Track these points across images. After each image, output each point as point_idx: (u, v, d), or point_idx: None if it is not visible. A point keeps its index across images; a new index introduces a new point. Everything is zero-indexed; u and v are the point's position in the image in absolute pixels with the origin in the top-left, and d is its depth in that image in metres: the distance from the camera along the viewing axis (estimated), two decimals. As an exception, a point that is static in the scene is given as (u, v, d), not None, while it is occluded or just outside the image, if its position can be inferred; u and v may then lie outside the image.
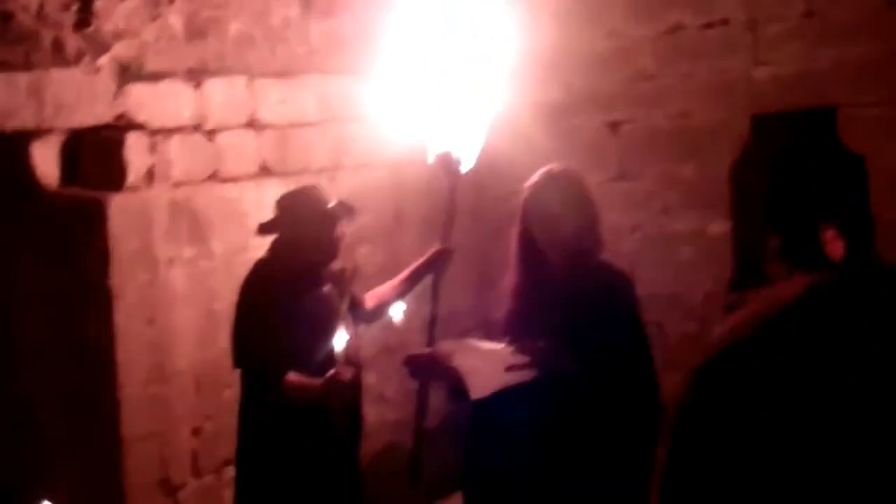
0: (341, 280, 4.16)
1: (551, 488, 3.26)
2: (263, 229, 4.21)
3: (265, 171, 5.34)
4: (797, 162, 6.32)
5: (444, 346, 3.46)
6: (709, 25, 6.25)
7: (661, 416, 3.28)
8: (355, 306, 4.25)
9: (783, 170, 6.24)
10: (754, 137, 6.24)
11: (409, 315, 4.35)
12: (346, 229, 4.17)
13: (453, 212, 4.08)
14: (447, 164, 4.02)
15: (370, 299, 4.34)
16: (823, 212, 6.38)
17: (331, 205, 4.11)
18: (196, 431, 4.92)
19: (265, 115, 5.35)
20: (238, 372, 4.19)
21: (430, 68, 4.07)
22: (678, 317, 6.10)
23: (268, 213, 5.27)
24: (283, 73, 5.48)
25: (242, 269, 5.13)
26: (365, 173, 5.80)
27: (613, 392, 3.20)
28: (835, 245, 6.30)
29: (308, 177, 5.51)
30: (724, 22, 6.22)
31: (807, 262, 6.31)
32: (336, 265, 4.18)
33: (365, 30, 5.90)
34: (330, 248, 4.10)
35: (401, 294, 4.32)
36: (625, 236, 6.21)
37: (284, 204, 4.19)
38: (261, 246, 5.23)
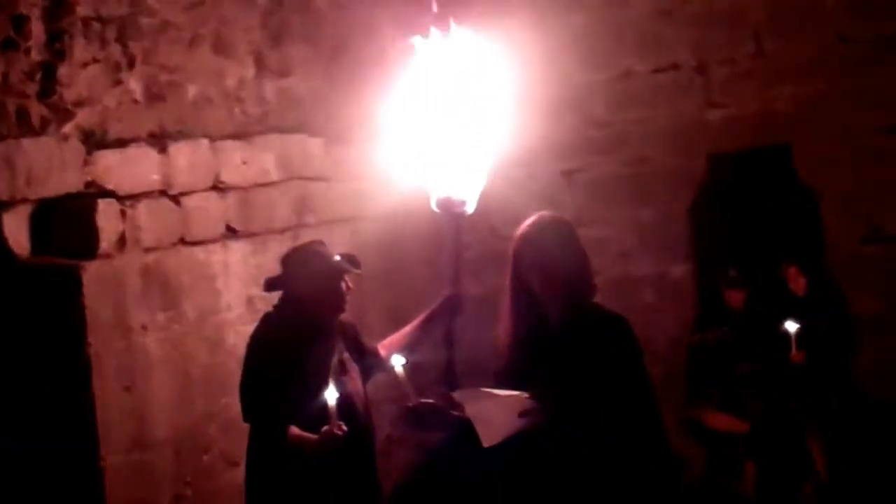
0: (339, 332, 4.16)
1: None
2: (270, 285, 4.23)
3: (231, 232, 5.31)
4: (753, 199, 6.46)
5: (459, 395, 3.42)
6: (659, 70, 6.40)
7: (669, 466, 3.31)
8: (368, 356, 4.26)
9: (740, 207, 6.36)
10: (710, 178, 6.38)
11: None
12: (350, 283, 4.16)
13: (460, 255, 4.10)
14: (450, 207, 4.03)
15: (384, 348, 4.33)
16: (782, 246, 6.50)
17: (335, 259, 4.13)
18: (177, 499, 4.83)
19: (228, 176, 5.34)
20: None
21: (425, 115, 4.08)
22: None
23: (235, 275, 5.32)
24: (240, 134, 5.47)
25: (214, 332, 5.15)
26: (326, 231, 5.79)
27: (620, 440, 3.21)
28: (798, 282, 6.46)
29: (272, 237, 5.53)
30: (675, 66, 6.38)
31: (764, 291, 6.39)
32: (343, 318, 4.17)
33: (319, 87, 5.96)
34: (336, 301, 4.13)
35: (415, 341, 4.32)
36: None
37: (290, 259, 4.23)
38: (229, 309, 5.27)
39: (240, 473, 5.10)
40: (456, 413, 3.38)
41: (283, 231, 5.56)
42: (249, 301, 5.33)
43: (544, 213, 3.61)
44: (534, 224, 3.54)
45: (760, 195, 6.32)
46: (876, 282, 6.12)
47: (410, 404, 3.51)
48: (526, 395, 3.29)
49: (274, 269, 5.38)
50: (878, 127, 6.07)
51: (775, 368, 5.90)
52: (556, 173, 6.55)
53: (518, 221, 6.72)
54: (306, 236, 5.60)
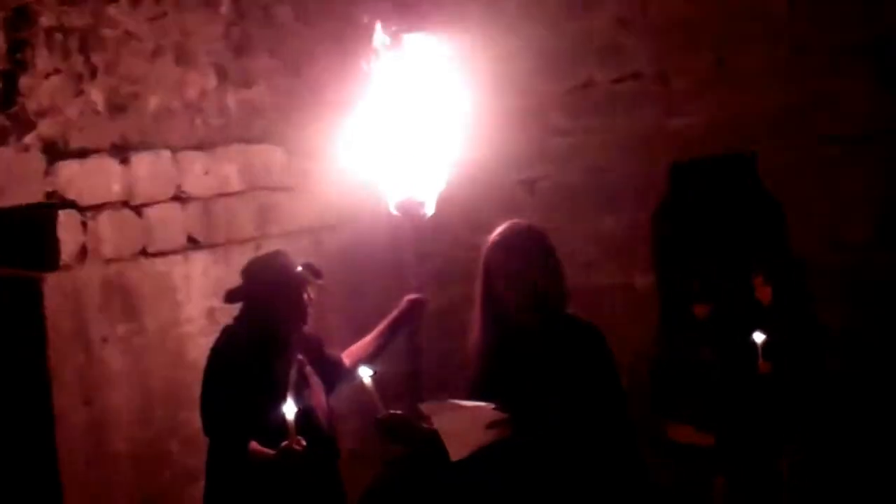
0: (309, 345, 4.12)
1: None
2: (231, 297, 4.14)
3: (192, 243, 5.27)
4: (717, 208, 6.47)
5: (426, 407, 3.38)
6: (620, 80, 6.43)
7: (641, 470, 3.30)
8: (332, 367, 4.20)
9: (703, 216, 6.37)
10: (672, 187, 6.41)
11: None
12: (312, 294, 4.11)
13: (420, 259, 4.09)
14: (409, 211, 4.03)
15: (348, 357, 4.29)
16: (747, 256, 6.51)
17: (297, 269, 4.08)
18: (138, 515, 4.77)
19: (190, 187, 5.29)
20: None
21: (384, 122, 4.09)
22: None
23: (196, 287, 5.27)
24: (202, 145, 5.44)
25: (175, 345, 5.10)
26: (289, 241, 5.76)
27: (592, 449, 3.20)
28: (763, 291, 6.48)
29: (234, 247, 5.49)
30: (635, 76, 6.41)
31: (730, 301, 6.41)
32: (306, 330, 4.13)
33: (282, 99, 5.94)
34: (298, 313, 4.08)
35: (379, 349, 4.30)
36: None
37: (251, 270, 4.16)
38: (190, 321, 5.22)
39: (200, 488, 5.09)
40: (424, 425, 3.37)
41: (245, 242, 5.52)
42: (210, 313, 5.28)
43: (515, 220, 3.58)
44: (505, 232, 3.53)
45: (723, 204, 6.37)
46: (839, 290, 6.16)
47: (379, 416, 3.49)
48: (493, 406, 3.26)
49: (236, 280, 5.38)
50: (834, 136, 6.12)
51: (742, 380, 5.92)
52: (518, 182, 6.57)
53: (480, 231, 6.69)
54: (269, 247, 5.55)
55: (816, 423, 5.94)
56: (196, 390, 5.10)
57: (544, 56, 6.43)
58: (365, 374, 3.73)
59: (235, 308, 5.04)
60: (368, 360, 4.31)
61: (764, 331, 5.75)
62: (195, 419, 5.08)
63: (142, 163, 5.04)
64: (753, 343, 5.78)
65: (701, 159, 6.35)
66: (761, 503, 5.87)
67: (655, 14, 6.37)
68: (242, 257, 5.46)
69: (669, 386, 5.95)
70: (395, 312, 4.31)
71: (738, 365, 5.97)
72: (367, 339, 4.37)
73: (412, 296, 4.26)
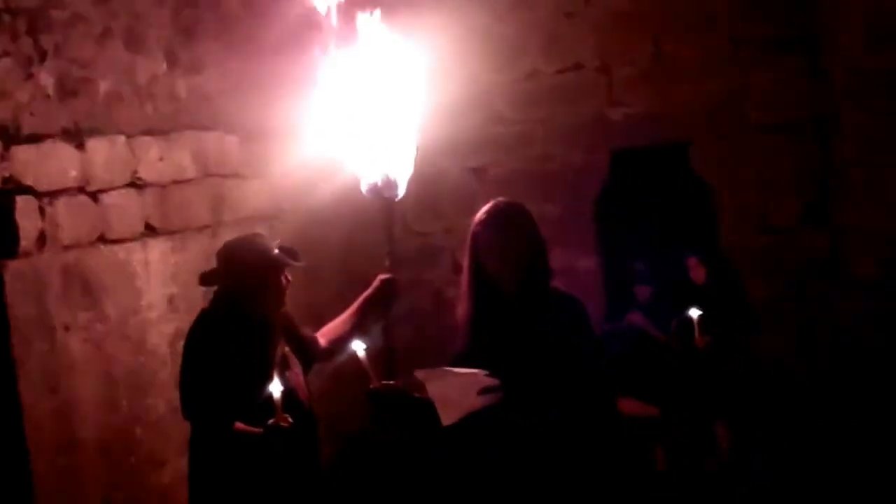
0: (280, 325, 4.12)
1: (507, 497, 3.33)
2: (206, 280, 4.12)
3: (150, 230, 5.23)
4: (655, 194, 6.69)
5: (420, 374, 3.46)
6: (563, 70, 6.58)
7: (622, 433, 3.42)
8: (308, 346, 4.22)
9: (643, 202, 6.57)
10: (613, 174, 6.60)
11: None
12: (290, 275, 4.12)
13: (392, 240, 4.13)
14: (380, 192, 4.06)
15: (323, 337, 4.31)
16: (682, 239, 6.74)
17: (274, 252, 4.07)
18: (106, 502, 4.72)
19: (146, 173, 5.25)
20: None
21: (352, 102, 4.11)
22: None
23: (155, 274, 5.24)
24: (154, 131, 5.40)
25: (136, 332, 5.07)
26: (244, 228, 5.75)
27: (581, 415, 3.31)
28: (698, 272, 6.71)
29: (191, 234, 5.47)
30: (578, 67, 6.57)
31: (669, 285, 6.62)
32: (283, 311, 4.13)
33: (232, 85, 5.92)
34: (276, 296, 4.06)
35: (354, 327, 4.31)
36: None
37: (226, 253, 4.10)
38: (150, 308, 5.19)
39: (167, 474, 5.09)
40: (417, 394, 3.45)
41: (201, 229, 5.50)
42: (170, 300, 5.27)
43: (500, 198, 3.69)
44: (490, 209, 3.64)
45: (661, 190, 6.57)
46: (765, 270, 6.44)
47: (373, 386, 3.54)
48: (485, 372, 3.35)
49: (194, 267, 5.36)
50: (766, 125, 6.37)
51: (681, 354, 6.15)
52: (466, 170, 6.69)
53: (430, 217, 6.87)
54: (224, 234, 5.56)
55: (746, 392, 6.23)
56: (158, 377, 5.14)
57: (492, 47, 6.55)
58: (358, 347, 3.77)
59: (195, 295, 5.06)
60: (343, 339, 4.34)
61: (700, 308, 6.00)
62: (159, 405, 5.11)
63: (97, 148, 4.97)
64: (690, 319, 6.01)
65: (640, 148, 6.55)
66: (697, 470, 6.13)
67: (597, 6, 6.56)
68: (199, 244, 5.50)
69: (614, 362, 6.13)
70: (367, 292, 4.33)
71: (677, 340, 6.22)
72: (341, 319, 4.39)
73: (384, 275, 4.30)
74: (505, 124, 6.67)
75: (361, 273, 6.40)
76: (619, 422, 3.51)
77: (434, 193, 6.22)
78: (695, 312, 6.03)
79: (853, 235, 6.25)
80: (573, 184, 6.57)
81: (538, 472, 3.33)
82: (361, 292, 4.35)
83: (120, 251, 5.04)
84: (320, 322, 4.48)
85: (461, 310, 3.62)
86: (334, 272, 6.34)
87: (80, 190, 4.89)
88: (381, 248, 4.10)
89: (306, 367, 4.25)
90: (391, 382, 3.56)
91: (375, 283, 4.30)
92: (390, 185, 4.12)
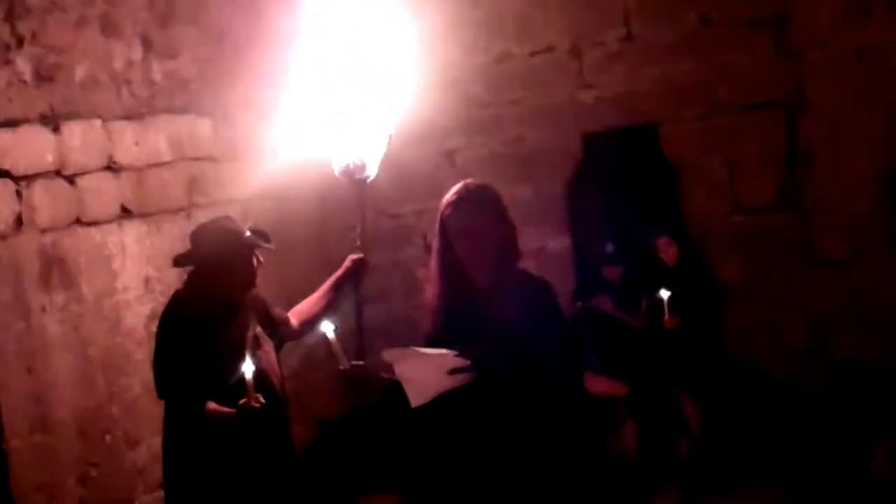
0: (252, 306, 4.19)
1: (491, 487, 3.38)
2: (179, 262, 4.16)
3: (125, 212, 5.30)
4: (626, 175, 6.75)
5: (388, 354, 3.49)
6: (535, 53, 6.65)
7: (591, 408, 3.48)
8: (280, 326, 4.29)
9: (614, 183, 6.63)
10: (585, 156, 6.67)
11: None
12: (261, 257, 4.18)
13: (364, 221, 4.19)
14: (352, 174, 4.12)
15: (295, 317, 4.38)
16: (653, 220, 6.81)
17: (246, 233, 4.13)
18: (82, 480, 4.81)
19: (122, 157, 5.32)
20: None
21: (327, 82, 4.16)
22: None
23: (131, 256, 5.31)
24: (130, 116, 5.46)
25: (112, 313, 5.15)
26: (218, 211, 5.82)
27: (550, 389, 3.36)
28: (668, 251, 6.80)
29: (166, 217, 5.54)
30: (549, 49, 6.64)
31: (639, 265, 6.71)
32: (252, 292, 4.20)
33: (206, 69, 5.98)
34: (247, 276, 4.11)
35: (325, 307, 4.36)
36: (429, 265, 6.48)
37: (199, 235, 4.15)
38: (126, 289, 5.27)
39: (142, 453, 5.18)
40: (386, 375, 3.49)
41: (176, 211, 5.58)
42: (146, 282, 5.35)
43: (469, 180, 3.70)
44: (460, 191, 3.62)
45: (631, 172, 6.66)
46: (740, 250, 6.51)
47: (342, 367, 3.59)
48: (454, 353, 3.35)
49: (169, 249, 5.44)
50: (739, 105, 6.44)
51: (651, 333, 6.26)
52: (439, 153, 6.76)
53: (403, 200, 6.93)
54: (199, 217, 5.62)
55: (715, 369, 6.34)
56: (134, 357, 5.22)
57: (464, 30, 6.60)
58: (328, 328, 3.80)
59: (171, 277, 5.13)
60: (314, 318, 4.40)
61: (669, 288, 6.12)
62: (134, 385, 5.20)
63: (74, 132, 5.06)
64: (660, 299, 6.12)
65: (612, 129, 6.62)
66: (668, 446, 6.24)
67: (569, -12, 6.61)
68: (174, 227, 5.57)
69: (584, 341, 6.22)
70: (338, 272, 4.39)
71: (646, 320, 6.33)
72: (313, 299, 4.44)
73: (355, 255, 4.36)
74: (477, 107, 6.73)
75: (334, 254, 6.52)
76: (587, 405, 3.56)
77: (406, 176, 6.28)
78: (665, 293, 6.15)
79: (822, 214, 6.33)
80: (545, 166, 6.64)
81: (523, 464, 3.35)
82: (332, 272, 4.41)
83: (96, 234, 5.13)
84: (292, 302, 4.53)
85: (430, 291, 3.63)
86: (307, 253, 6.41)
87: (57, 173, 4.97)
88: (351, 228, 4.17)
89: (278, 347, 4.30)
90: (360, 363, 3.60)
91: (346, 262, 4.37)
92: (362, 166, 4.18)
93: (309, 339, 4.32)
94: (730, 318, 6.53)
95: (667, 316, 6.12)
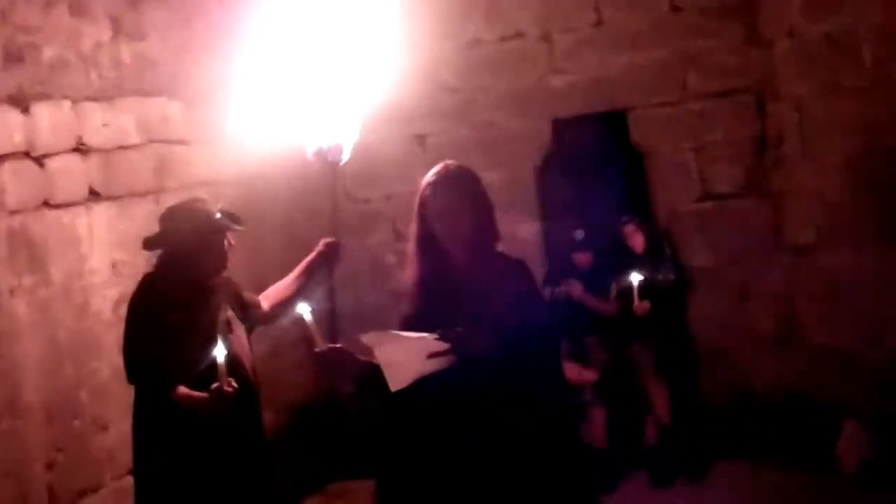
0: (224, 289, 4.15)
1: (468, 472, 3.38)
2: (149, 244, 4.12)
3: (94, 195, 5.24)
4: (595, 162, 6.75)
5: (367, 338, 3.46)
6: (505, 39, 6.65)
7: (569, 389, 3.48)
8: (251, 310, 4.26)
9: (581, 170, 6.63)
10: (555, 142, 6.68)
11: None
12: (232, 239, 4.15)
13: (336, 204, 4.16)
14: (326, 157, 4.09)
15: (266, 300, 4.35)
16: (622, 206, 6.82)
17: (217, 215, 4.09)
18: (50, 465, 4.76)
19: (90, 138, 5.25)
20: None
21: (299, 64, 4.12)
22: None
23: (99, 239, 5.25)
24: (99, 97, 5.40)
25: (81, 296, 5.09)
26: (189, 194, 5.77)
27: (530, 371, 3.35)
28: (635, 238, 6.84)
29: (135, 200, 5.48)
30: (520, 35, 6.64)
31: (609, 251, 6.72)
32: (224, 275, 4.16)
33: (175, 51, 5.92)
34: (218, 259, 4.08)
35: (297, 291, 4.34)
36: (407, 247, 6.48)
37: (169, 217, 4.11)
38: (94, 272, 5.21)
39: (111, 437, 5.13)
40: (363, 358, 3.47)
41: (145, 194, 5.52)
42: (114, 265, 5.29)
43: (449, 161, 3.68)
44: (440, 171, 3.60)
45: (601, 158, 6.68)
46: (708, 237, 6.56)
47: (318, 350, 3.55)
48: (434, 336, 3.29)
49: (136, 232, 5.37)
50: (708, 92, 6.48)
51: (621, 318, 6.29)
52: (409, 137, 6.74)
53: (372, 185, 6.91)
54: (168, 200, 5.57)
55: (682, 353, 6.41)
56: (102, 341, 5.16)
57: (435, 15, 6.58)
58: (304, 310, 3.75)
59: (139, 261, 5.07)
60: (286, 302, 4.38)
61: (640, 273, 6.16)
62: (103, 369, 5.14)
63: (43, 113, 4.98)
64: (630, 285, 6.16)
65: (582, 115, 6.64)
66: (637, 431, 6.28)
67: (540, -25, 6.61)
68: (143, 210, 5.50)
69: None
70: (311, 255, 4.37)
71: (616, 305, 6.36)
72: (285, 281, 4.41)
73: (328, 239, 4.34)
74: (447, 92, 6.72)
75: (303, 237, 6.48)
76: (567, 386, 3.56)
77: (374, 160, 6.25)
78: (636, 278, 6.19)
79: (790, 201, 6.39)
80: (515, 151, 6.65)
81: (513, 456, 3.33)
82: (303, 257, 4.39)
83: (65, 216, 5.06)
84: (262, 286, 4.50)
85: (409, 273, 3.61)
86: (276, 237, 6.38)
87: (26, 155, 4.89)
88: (321, 213, 4.13)
89: (249, 331, 4.26)
90: (337, 345, 3.57)
91: (319, 246, 4.34)
92: (336, 149, 4.15)
93: (278, 324, 4.30)
94: (697, 304, 6.57)
95: (637, 301, 6.16)
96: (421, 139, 6.81)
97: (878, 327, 6.03)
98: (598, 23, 6.55)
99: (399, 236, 6.97)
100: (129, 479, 5.15)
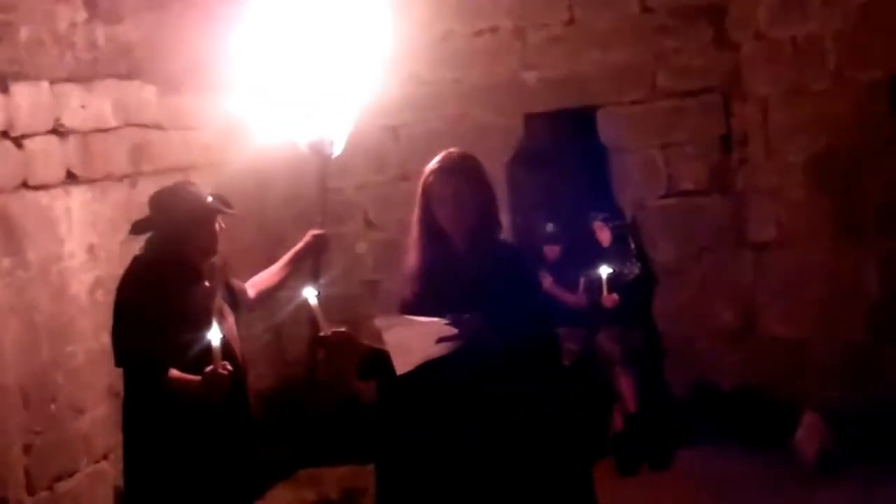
0: (218, 274, 4.15)
1: (469, 456, 3.40)
2: (138, 228, 4.10)
3: (72, 177, 5.20)
4: (565, 157, 6.88)
5: (379, 321, 3.49)
6: (479, 33, 6.71)
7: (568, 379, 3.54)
8: (238, 296, 4.26)
9: (552, 164, 6.75)
10: (526, 136, 6.76)
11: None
12: (223, 223, 4.14)
13: (325, 196, 4.19)
14: (318, 149, 4.12)
15: (252, 287, 4.35)
16: (590, 201, 6.94)
17: (208, 199, 4.08)
18: (27, 448, 4.71)
19: (68, 120, 5.20)
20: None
21: (294, 58, 4.15)
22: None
23: (77, 221, 5.22)
24: (74, 78, 5.35)
25: (58, 279, 5.05)
26: (163, 180, 5.74)
27: (531, 356, 3.41)
28: (602, 233, 6.96)
29: (111, 184, 5.45)
30: (493, 30, 6.71)
31: (577, 245, 6.82)
32: (214, 259, 4.16)
33: (151, 35, 5.89)
34: (208, 243, 4.07)
35: (282, 280, 4.37)
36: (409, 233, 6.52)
37: (159, 201, 4.09)
38: (72, 256, 5.17)
39: (87, 420, 5.10)
40: (366, 342, 3.50)
41: (121, 178, 5.48)
42: (91, 249, 5.25)
43: (452, 149, 3.72)
44: (444, 158, 3.64)
45: (570, 154, 6.78)
46: (672, 233, 6.69)
47: (322, 334, 3.58)
48: (445, 321, 3.33)
49: (112, 216, 5.36)
50: (676, 91, 6.61)
51: (589, 310, 6.40)
52: (382, 128, 6.76)
53: (343, 174, 6.93)
54: (144, 185, 5.56)
55: (647, 344, 6.54)
56: (79, 325, 5.13)
57: (408, 7, 6.59)
58: (310, 294, 3.77)
59: (114, 245, 5.05)
60: (271, 291, 4.42)
61: (608, 267, 6.27)
62: (79, 353, 5.11)
63: (22, 93, 4.91)
64: (599, 278, 6.27)
65: (552, 111, 6.73)
66: (603, 421, 6.39)
67: (514, -31, 6.68)
68: (119, 194, 5.47)
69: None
70: (298, 246, 4.39)
71: (585, 298, 6.47)
72: (273, 270, 4.43)
73: (315, 230, 4.37)
74: (420, 84, 6.76)
75: (275, 227, 6.50)
76: (567, 376, 3.63)
77: (347, 150, 6.25)
78: (604, 271, 6.31)
79: (753, 199, 6.54)
80: (487, 145, 6.65)
81: (515, 456, 3.39)
82: (274, 243, 4.39)
83: (43, 197, 5.00)
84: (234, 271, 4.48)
85: (410, 259, 3.62)
86: (248, 225, 6.36)
87: (4, 135, 4.83)
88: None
89: (237, 317, 4.29)
90: (342, 329, 3.60)
91: (306, 237, 4.37)
92: (328, 144, 4.19)
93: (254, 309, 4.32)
94: (662, 297, 6.70)
95: (605, 294, 6.27)
96: (395, 130, 6.84)
97: (833, 321, 6.23)
98: (571, 20, 6.64)
99: (371, 225, 7.01)
100: (105, 464, 5.17)
